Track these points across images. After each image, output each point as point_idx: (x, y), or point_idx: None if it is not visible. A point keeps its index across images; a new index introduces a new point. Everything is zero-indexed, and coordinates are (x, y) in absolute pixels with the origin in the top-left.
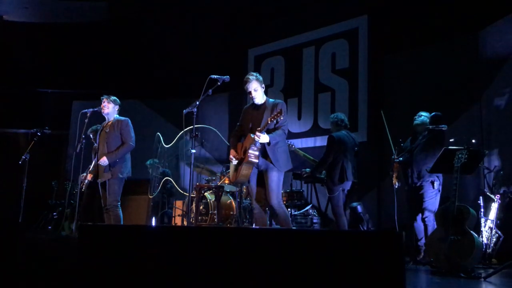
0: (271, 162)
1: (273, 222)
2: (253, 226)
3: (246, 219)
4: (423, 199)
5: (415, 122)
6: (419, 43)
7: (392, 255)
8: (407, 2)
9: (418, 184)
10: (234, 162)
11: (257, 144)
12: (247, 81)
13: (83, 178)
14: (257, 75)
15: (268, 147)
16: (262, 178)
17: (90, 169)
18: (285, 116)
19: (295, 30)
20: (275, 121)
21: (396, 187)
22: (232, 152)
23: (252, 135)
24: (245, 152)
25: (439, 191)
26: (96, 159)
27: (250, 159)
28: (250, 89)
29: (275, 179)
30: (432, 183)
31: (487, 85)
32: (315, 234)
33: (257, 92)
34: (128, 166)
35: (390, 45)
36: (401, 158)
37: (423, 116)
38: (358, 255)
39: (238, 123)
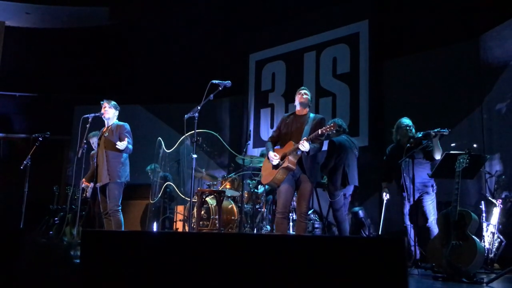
0: (306, 172)
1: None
2: (273, 230)
3: (248, 224)
4: (424, 205)
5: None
6: (420, 48)
7: (394, 261)
8: (408, 7)
9: (419, 192)
10: (274, 162)
11: (299, 152)
12: (302, 94)
13: (83, 183)
14: (308, 91)
15: (305, 157)
16: (293, 185)
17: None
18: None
19: (296, 35)
20: (326, 133)
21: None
22: (273, 153)
23: (294, 143)
24: (284, 157)
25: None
26: (95, 164)
27: (289, 165)
28: (301, 101)
29: (309, 188)
30: (432, 186)
31: (488, 89)
32: (317, 240)
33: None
34: (127, 171)
35: (390, 50)
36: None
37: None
38: (360, 261)
39: (275, 129)
